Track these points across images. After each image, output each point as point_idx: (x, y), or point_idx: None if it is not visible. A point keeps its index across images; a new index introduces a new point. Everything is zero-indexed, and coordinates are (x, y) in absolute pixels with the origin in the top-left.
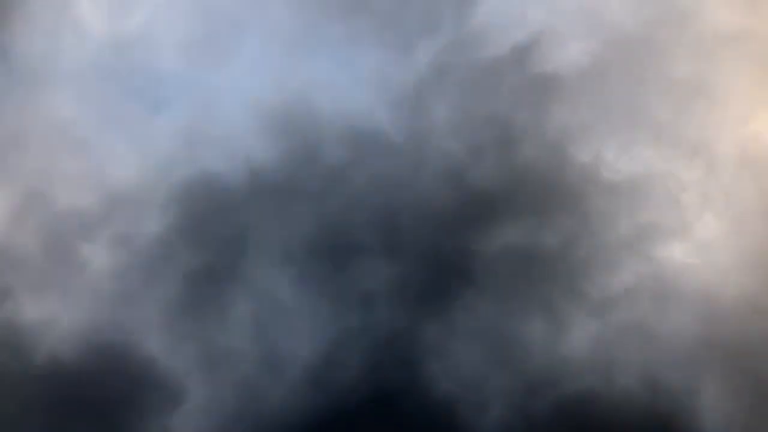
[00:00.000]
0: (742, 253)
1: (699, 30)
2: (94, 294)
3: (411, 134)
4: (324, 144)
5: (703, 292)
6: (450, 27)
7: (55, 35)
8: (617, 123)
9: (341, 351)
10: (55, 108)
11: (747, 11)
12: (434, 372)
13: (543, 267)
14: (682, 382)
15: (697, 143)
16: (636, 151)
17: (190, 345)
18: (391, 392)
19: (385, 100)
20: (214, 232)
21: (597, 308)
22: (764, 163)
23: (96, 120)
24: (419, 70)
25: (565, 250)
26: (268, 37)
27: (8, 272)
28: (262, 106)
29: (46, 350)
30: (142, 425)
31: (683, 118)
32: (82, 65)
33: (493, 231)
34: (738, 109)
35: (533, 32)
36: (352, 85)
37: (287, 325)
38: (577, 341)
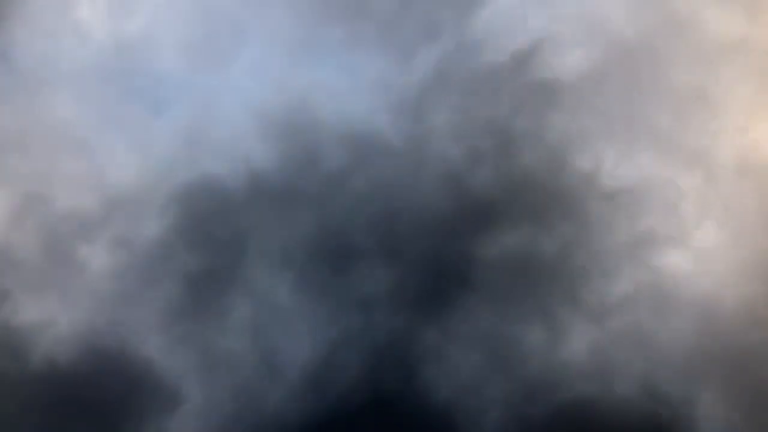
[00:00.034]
0: (740, 261)
1: (699, 38)
2: (93, 295)
3: (411, 139)
4: (324, 148)
5: (701, 300)
6: (451, 33)
7: (56, 37)
8: (617, 130)
9: (340, 354)
10: (56, 109)
11: (747, 20)
12: (432, 376)
13: (542, 273)
14: (680, 390)
15: (696, 151)
16: (635, 159)
17: (189, 347)
18: (389, 396)
19: (386, 105)
20: (213, 234)
21: (595, 315)
22: (764, 172)
23: (96, 121)
24: (420, 75)
25: (564, 257)
26: (269, 41)
27: (7, 273)
28: (263, 109)
29: (44, 351)
30: (140, 427)
31: (683, 126)
32: (82, 67)
33: (492, 236)
34: (737, 118)
35: (534, 39)
36: (352, 90)
37: (286, 328)
38: (575, 347)
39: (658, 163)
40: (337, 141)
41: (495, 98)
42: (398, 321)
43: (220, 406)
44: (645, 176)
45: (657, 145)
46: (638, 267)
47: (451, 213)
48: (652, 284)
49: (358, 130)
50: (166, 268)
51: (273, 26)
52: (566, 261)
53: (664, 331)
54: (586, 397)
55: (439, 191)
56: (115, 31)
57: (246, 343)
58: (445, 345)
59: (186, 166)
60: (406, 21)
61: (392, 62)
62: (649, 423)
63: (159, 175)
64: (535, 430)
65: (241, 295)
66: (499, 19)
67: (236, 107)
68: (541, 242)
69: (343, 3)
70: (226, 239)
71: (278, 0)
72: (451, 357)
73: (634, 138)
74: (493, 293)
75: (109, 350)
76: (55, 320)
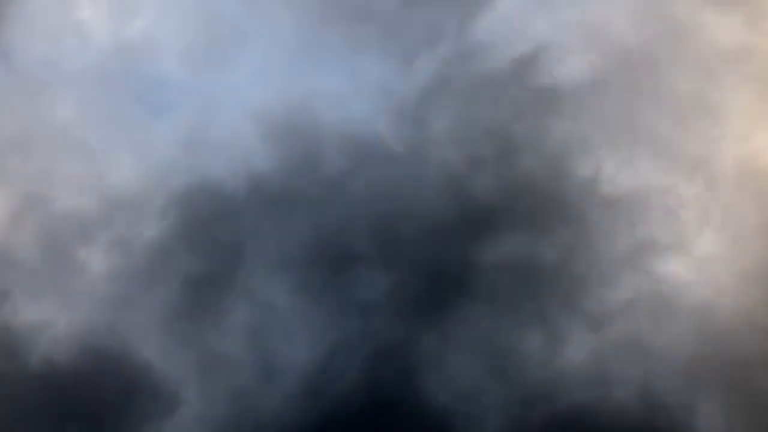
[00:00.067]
0: (740, 269)
1: (700, 46)
2: (92, 297)
3: (411, 144)
4: (324, 152)
5: (701, 309)
6: (452, 39)
7: (58, 39)
8: (617, 137)
9: (338, 359)
10: (56, 110)
11: (748, 28)
12: (431, 383)
13: (541, 280)
14: (679, 397)
15: (696, 159)
16: (635, 166)
17: (187, 350)
18: (387, 402)
19: (386, 110)
20: (212, 238)
21: (594, 322)
22: (764, 180)
23: (96, 123)
24: (420, 80)
25: (563, 264)
26: (270, 45)
27: (6, 274)
28: (263, 112)
29: (42, 353)
30: (138, 429)
31: (683, 134)
32: (83, 68)
33: (491, 243)
34: (738, 126)
35: (534, 45)
36: (353, 95)
37: (284, 332)
38: (574, 355)
39: (658, 170)
40: (337, 145)
41: (495, 104)
42: (397, 326)
43: (218, 409)
44: (645, 183)
45: (657, 152)
46: (638, 274)
47: (451, 218)
48: (652, 291)
49: (359, 134)
50: (166, 271)
51: (274, 30)
52: (565, 268)
53: (663, 339)
54: (585, 404)
55: (439, 196)
56: (116, 33)
57: (244, 346)
58: (443, 350)
59: (186, 169)
60: (407, 26)
61: (393, 67)
62: (647, 431)
63: (159, 177)
64: None
65: (240, 298)
66: (500, 25)
67: (237, 110)
68: (540, 248)
69: (344, 7)
70: (226, 242)
71: (279, 3)
72: (450, 362)
73: (635, 145)
74: (492, 299)
75: (107, 352)
76: (54, 321)
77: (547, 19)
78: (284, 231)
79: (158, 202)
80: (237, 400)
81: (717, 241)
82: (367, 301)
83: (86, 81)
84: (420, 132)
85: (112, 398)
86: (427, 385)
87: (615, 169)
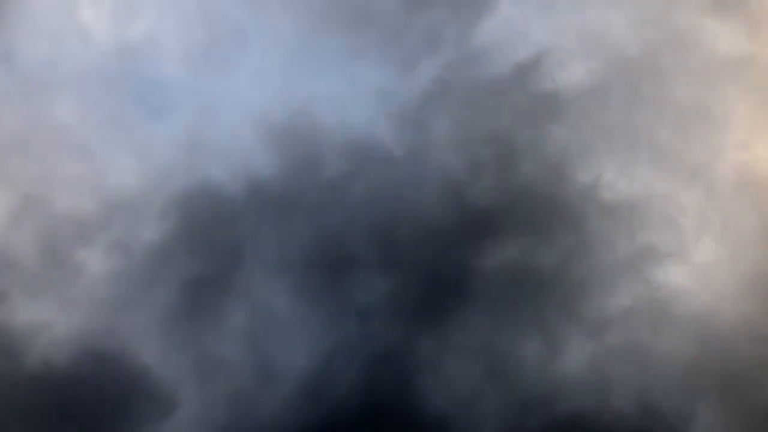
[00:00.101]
0: (739, 277)
1: (701, 54)
2: (90, 299)
3: (411, 149)
4: (324, 156)
5: (699, 316)
6: (453, 45)
7: (59, 40)
8: (617, 144)
9: (336, 363)
10: (57, 112)
11: (749, 37)
12: (428, 387)
13: (540, 286)
14: (677, 405)
15: (696, 167)
16: (635, 173)
17: (185, 352)
18: (385, 406)
19: (387, 115)
20: (212, 240)
21: (593, 329)
22: (763, 189)
23: (97, 125)
24: (421, 86)
25: (562, 270)
26: (271, 49)
27: (5, 274)
28: (264, 116)
29: (39, 354)
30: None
31: (683, 141)
32: (84, 70)
33: (490, 248)
34: (738, 134)
35: (535, 52)
36: (353, 99)
37: (283, 336)
38: (571, 361)
39: (658, 177)
40: (337, 149)
41: (496, 110)
42: (395, 330)
43: (215, 411)
44: (645, 190)
45: (657, 159)
46: (637, 281)
47: (450, 223)
48: (651, 299)
49: (359, 138)
50: (165, 273)
51: (275, 34)
52: (564, 274)
53: (661, 346)
54: (583, 411)
55: (438, 201)
56: (117, 35)
57: (243, 348)
58: (441, 355)
59: (186, 172)
60: (409, 32)
61: (394, 72)
62: None
63: (159, 179)
64: None
65: (239, 301)
66: (501, 31)
67: (237, 113)
68: (539, 254)
69: (346, 12)
70: (225, 245)
71: (281, 8)
72: (448, 368)
73: (635, 152)
74: (490, 305)
75: (105, 354)
76: (53, 322)
77: (549, 25)
78: (284, 234)
79: (158, 204)
80: (235, 402)
81: (716, 249)
82: (365, 305)
83: (87, 82)
84: (420, 136)
85: (110, 400)
86: (425, 388)
87: (615, 176)
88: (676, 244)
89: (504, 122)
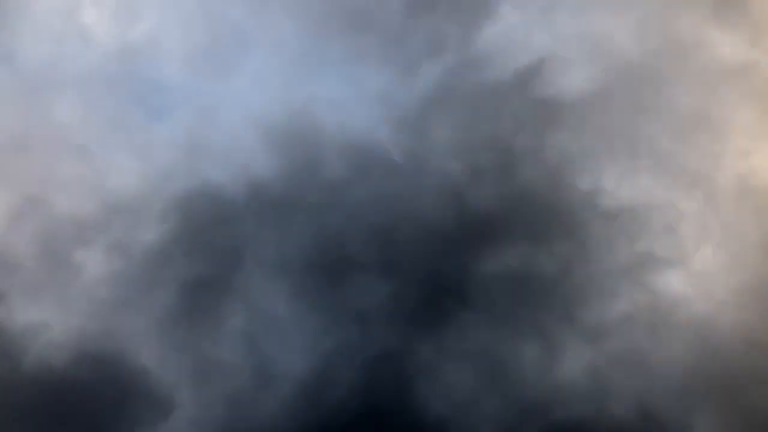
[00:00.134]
0: (738, 285)
1: (702, 61)
2: (89, 300)
3: (412, 153)
4: (324, 160)
5: (698, 323)
6: (454, 49)
7: (60, 41)
8: (618, 151)
9: (334, 366)
10: (58, 113)
11: (750, 45)
12: (426, 393)
13: (539, 292)
14: (676, 412)
15: (696, 174)
16: (636, 180)
17: (183, 355)
18: (382, 410)
19: (388, 119)
20: (211, 243)
21: (592, 335)
22: (763, 197)
23: (97, 127)
24: (422, 90)
25: (562, 276)
26: (273, 52)
27: (3, 275)
28: (264, 118)
29: (37, 355)
30: None
31: (684, 149)
32: (85, 71)
33: (490, 254)
34: (739, 142)
35: (537, 58)
36: (355, 103)
37: (281, 339)
38: (570, 368)
39: (658, 184)
40: (337, 153)
41: (497, 115)
42: (393, 335)
43: (213, 414)
44: (645, 197)
45: (658, 166)
46: (636, 288)
47: (450, 228)
48: (650, 306)
49: (359, 142)
50: (164, 275)
51: (277, 37)
52: (564, 280)
53: (661, 353)
54: (581, 418)
55: (438, 206)
56: (118, 37)
57: (241, 352)
58: (440, 361)
59: (186, 173)
60: (410, 36)
61: (395, 76)
62: None
63: (159, 181)
64: None
65: (238, 304)
66: (502, 37)
67: (238, 116)
68: (539, 261)
69: (348, 16)
70: (225, 247)
71: (283, 11)
72: (446, 373)
73: (635, 159)
74: (489, 310)
75: (103, 356)
76: (50, 324)
77: (550, 31)
78: (283, 237)
79: (158, 206)
80: (232, 405)
81: (716, 257)
82: (364, 309)
83: (87, 83)
84: (421, 141)
85: (108, 401)
86: (422, 395)
87: (615, 183)
88: (676, 251)
89: (505, 128)
